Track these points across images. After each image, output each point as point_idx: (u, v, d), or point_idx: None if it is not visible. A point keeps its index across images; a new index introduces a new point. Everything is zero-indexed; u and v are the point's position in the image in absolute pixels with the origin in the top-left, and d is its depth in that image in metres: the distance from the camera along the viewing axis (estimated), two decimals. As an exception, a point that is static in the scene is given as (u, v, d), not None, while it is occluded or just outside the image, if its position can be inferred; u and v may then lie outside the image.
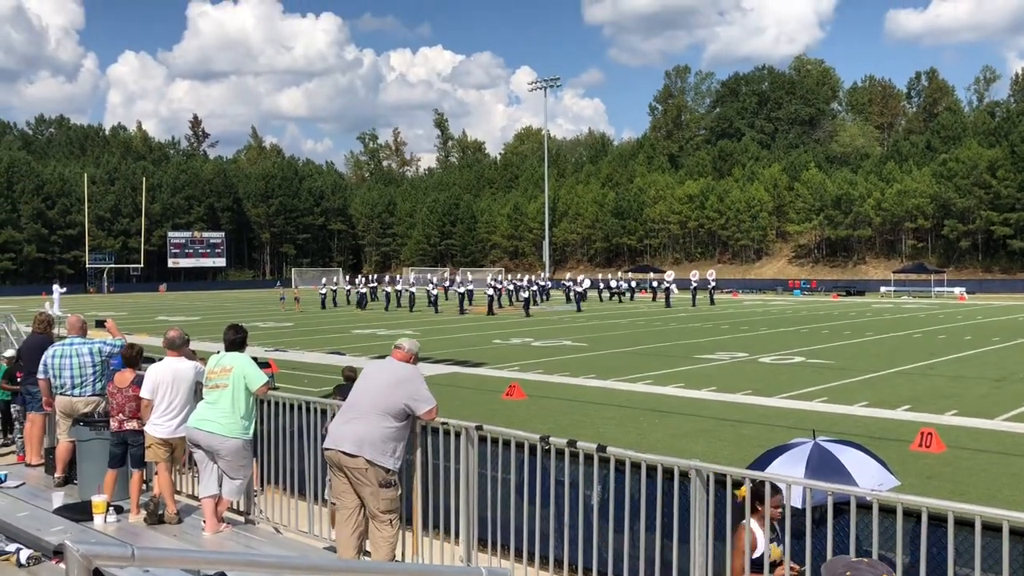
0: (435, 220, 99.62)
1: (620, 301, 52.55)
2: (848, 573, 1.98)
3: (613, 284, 56.28)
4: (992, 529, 4.21)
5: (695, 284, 49.84)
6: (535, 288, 50.43)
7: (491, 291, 41.91)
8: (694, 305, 46.58)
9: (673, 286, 47.27)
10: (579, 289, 46.97)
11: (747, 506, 4.87)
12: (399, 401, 5.82)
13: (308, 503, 6.97)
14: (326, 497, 6.92)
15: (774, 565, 4.87)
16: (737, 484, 4.92)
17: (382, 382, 5.95)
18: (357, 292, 50.17)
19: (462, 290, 42.42)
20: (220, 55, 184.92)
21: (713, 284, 51.19)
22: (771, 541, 4.84)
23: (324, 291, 50.76)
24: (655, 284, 55.73)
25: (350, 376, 10.29)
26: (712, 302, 48.59)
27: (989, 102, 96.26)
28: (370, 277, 59.07)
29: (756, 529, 4.90)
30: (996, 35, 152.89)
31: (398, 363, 6.05)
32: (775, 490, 4.80)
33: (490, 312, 40.24)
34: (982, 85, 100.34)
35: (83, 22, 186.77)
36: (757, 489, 4.82)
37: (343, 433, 5.79)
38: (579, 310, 42.85)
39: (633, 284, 58.87)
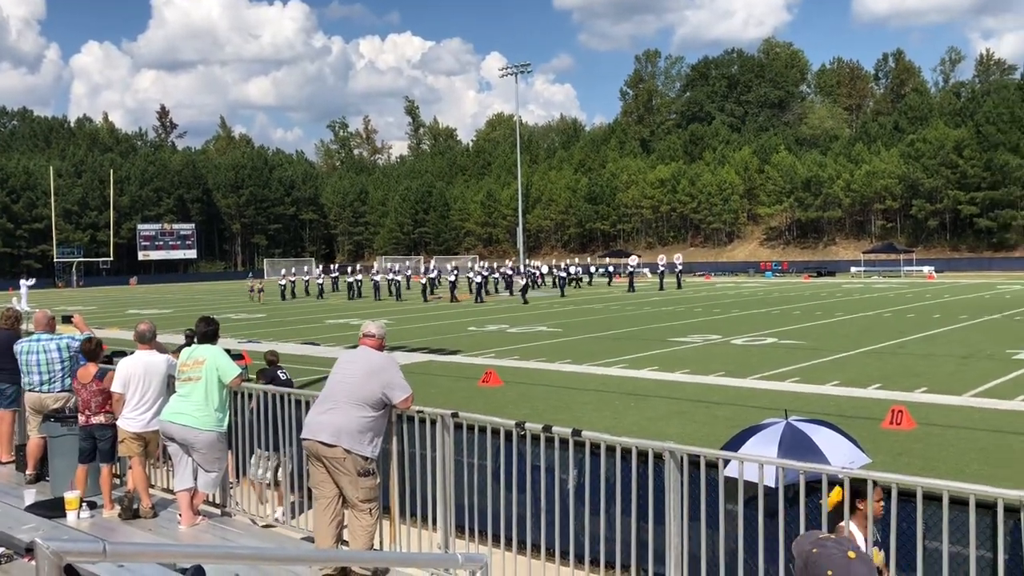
0: (408, 208, 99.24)
1: (578, 287, 52.51)
2: (815, 550, 2.00)
3: (572, 270, 56.34)
4: (959, 503, 4.29)
5: (662, 268, 50.36)
6: (509, 275, 50.41)
7: (479, 278, 41.99)
8: (662, 288, 46.93)
9: (646, 270, 47.72)
10: (563, 275, 46.99)
11: (846, 507, 4.44)
12: (375, 390, 5.81)
13: (284, 494, 6.95)
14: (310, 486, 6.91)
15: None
16: (824, 485, 4.57)
17: (357, 372, 5.93)
18: (317, 283, 50.74)
19: (452, 278, 42.48)
20: (186, 44, 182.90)
21: (680, 268, 51.70)
22: (873, 544, 4.47)
23: (284, 282, 50.05)
24: (616, 269, 56.27)
25: (272, 360, 10.18)
26: (679, 286, 48.93)
27: (955, 83, 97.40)
28: (331, 267, 59.21)
29: (856, 533, 4.46)
30: (961, 16, 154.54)
31: (372, 351, 6.04)
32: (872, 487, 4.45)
33: (478, 300, 40.32)
34: (947, 66, 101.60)
35: (44, 12, 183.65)
36: (858, 488, 4.41)
37: (320, 423, 5.78)
38: (562, 295, 43.17)
39: (592, 270, 59.45)
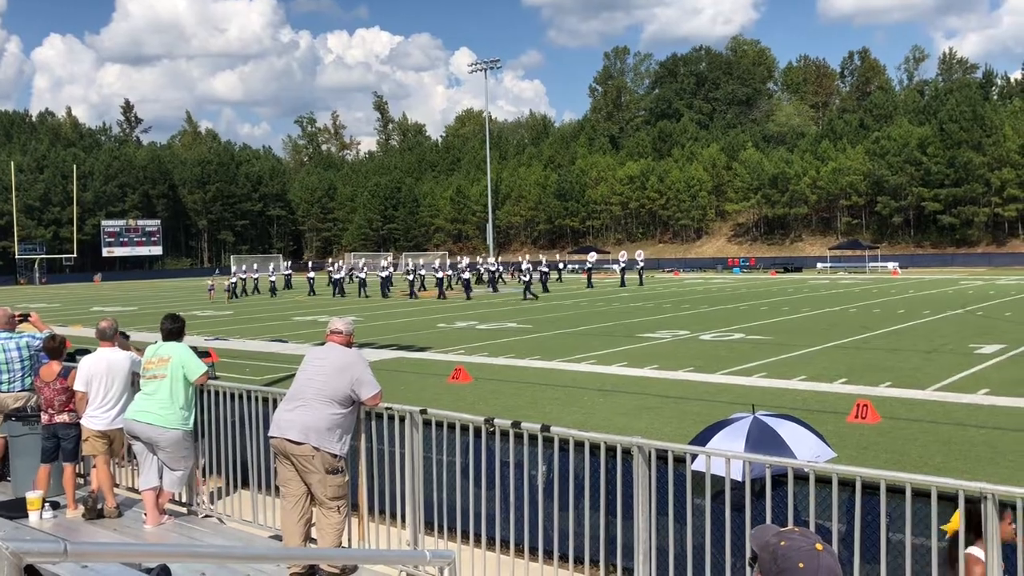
0: (377, 204, 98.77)
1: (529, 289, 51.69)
2: (782, 543, 1.99)
3: (523, 266, 55.77)
4: (922, 495, 4.35)
5: (623, 264, 50.32)
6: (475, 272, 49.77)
7: (440, 275, 42.03)
8: (623, 285, 47.04)
9: (615, 266, 47.77)
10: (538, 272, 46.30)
11: (962, 533, 4.03)
12: (343, 387, 5.77)
13: (252, 492, 6.89)
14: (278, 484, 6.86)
15: None
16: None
17: (326, 368, 5.89)
18: (269, 280, 49.73)
19: (440, 275, 42.39)
20: (151, 38, 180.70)
21: (642, 264, 51.42)
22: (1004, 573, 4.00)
23: (234, 280, 48.15)
24: (563, 265, 56.21)
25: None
26: (641, 282, 48.82)
27: (919, 81, 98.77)
28: (283, 264, 58.64)
29: (980, 554, 4.01)
30: (924, 15, 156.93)
31: (340, 348, 6.00)
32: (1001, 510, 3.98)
33: (441, 296, 40.28)
34: (912, 64, 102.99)
35: (4, 4, 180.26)
36: (978, 512, 3.95)
37: (288, 421, 5.73)
38: (536, 296, 40.99)
39: (561, 267, 59.28)
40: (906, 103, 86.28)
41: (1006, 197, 68.20)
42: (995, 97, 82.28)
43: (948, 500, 4.46)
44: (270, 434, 5.86)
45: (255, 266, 53.45)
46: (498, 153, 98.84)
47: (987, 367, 15.98)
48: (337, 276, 47.10)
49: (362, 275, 46.82)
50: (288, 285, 53.43)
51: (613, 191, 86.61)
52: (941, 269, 62.19)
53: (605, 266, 62.73)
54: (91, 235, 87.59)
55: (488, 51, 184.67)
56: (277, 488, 6.63)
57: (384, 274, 44.66)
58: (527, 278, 40.44)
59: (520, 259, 47.99)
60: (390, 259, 55.37)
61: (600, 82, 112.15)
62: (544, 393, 14.46)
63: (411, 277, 43.44)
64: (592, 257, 51.30)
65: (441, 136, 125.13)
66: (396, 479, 6.07)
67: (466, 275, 42.43)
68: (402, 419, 6.03)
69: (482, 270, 50.20)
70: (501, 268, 46.34)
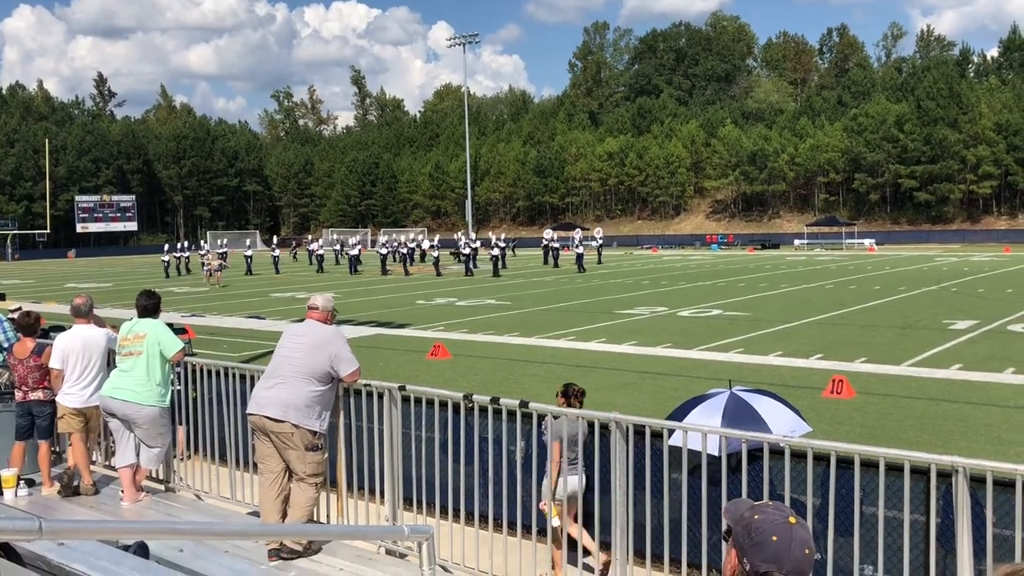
0: (354, 180, 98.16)
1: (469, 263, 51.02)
2: (757, 516, 2.01)
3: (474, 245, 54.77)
4: (895, 469, 4.41)
5: (599, 241, 48.63)
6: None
7: (404, 250, 42.14)
8: (599, 262, 45.54)
9: (592, 242, 47.30)
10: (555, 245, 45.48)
11: None
12: (322, 363, 5.76)
13: (229, 469, 6.87)
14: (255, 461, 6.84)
15: None
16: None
17: (304, 345, 5.87)
18: (245, 256, 46.69)
19: (436, 254, 42.27)
20: (124, 9, 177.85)
21: (600, 242, 49.49)
22: None
23: (167, 259, 46.01)
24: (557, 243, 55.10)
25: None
26: (600, 260, 46.70)
27: (896, 58, 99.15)
28: (290, 240, 57.99)
29: None
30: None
31: (318, 324, 5.97)
32: None
33: (405, 273, 40.37)
34: (889, 41, 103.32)
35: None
36: None
37: (267, 398, 5.71)
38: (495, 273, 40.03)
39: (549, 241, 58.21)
40: (884, 80, 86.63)
41: (981, 175, 68.83)
42: (971, 75, 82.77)
43: (920, 473, 4.52)
44: (248, 411, 5.84)
45: (247, 242, 52.25)
46: (477, 129, 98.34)
47: (960, 343, 16.19)
48: (320, 252, 46.74)
49: (354, 252, 46.20)
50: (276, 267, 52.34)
51: (592, 168, 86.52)
52: (917, 246, 62.77)
53: (564, 243, 61.51)
54: (64, 211, 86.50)
55: (466, 25, 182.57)
56: (255, 465, 6.62)
57: (353, 252, 44.53)
58: (495, 252, 40.22)
59: (491, 235, 46.93)
60: (358, 237, 55.04)
61: (580, 57, 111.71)
62: (523, 369, 14.51)
63: (386, 252, 43.39)
64: (548, 234, 48.95)
65: (419, 111, 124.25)
66: (375, 455, 6.08)
67: (435, 252, 42.29)
68: (380, 396, 6.02)
69: (462, 247, 49.33)
70: (478, 245, 44.89)
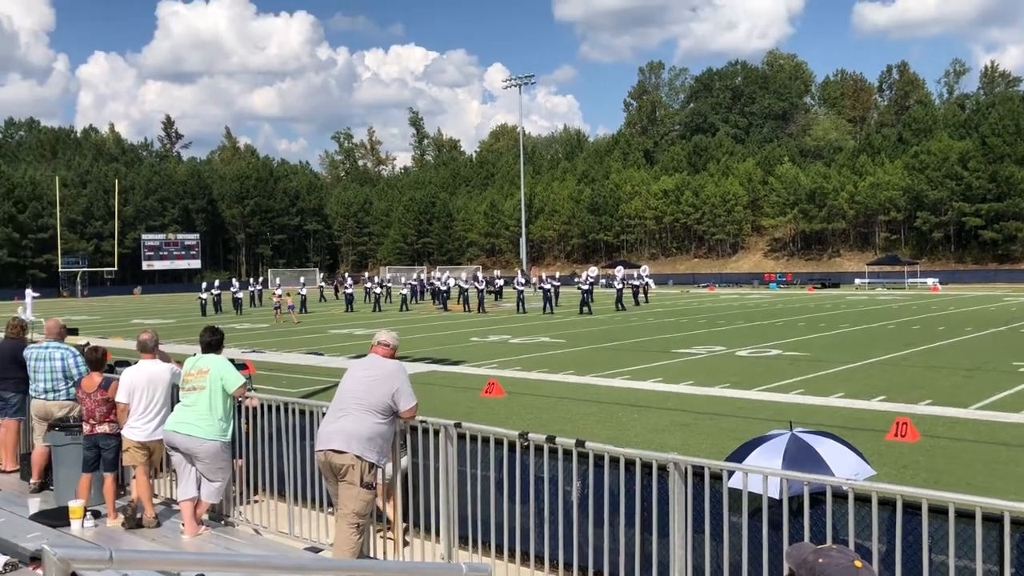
0: (411, 219, 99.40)
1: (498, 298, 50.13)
2: (821, 560, 1.98)
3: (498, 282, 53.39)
4: (966, 516, 4.27)
5: (619, 284, 43.18)
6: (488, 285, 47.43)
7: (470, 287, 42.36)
8: (637, 304, 42.99)
9: (621, 281, 45.15)
10: (585, 287, 40.73)
11: None
12: (384, 397, 5.82)
13: (288, 504, 6.94)
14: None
15: None
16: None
17: (368, 379, 5.95)
18: (299, 294, 45.41)
19: (483, 287, 42.35)
20: (192, 55, 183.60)
21: (645, 281, 47.18)
22: None
23: (204, 296, 44.93)
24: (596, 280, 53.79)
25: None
26: (637, 301, 43.91)
27: (959, 95, 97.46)
28: (319, 277, 58.42)
29: None
30: (963, 28, 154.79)
31: (382, 359, 6.05)
32: None
33: (467, 309, 40.54)
34: (952, 78, 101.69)
35: (53, 24, 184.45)
36: None
37: (332, 432, 5.78)
38: (581, 312, 37.39)
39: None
40: (946, 117, 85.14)
41: (1050, 212, 66.95)
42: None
43: (993, 521, 4.37)
44: (316, 448, 5.91)
45: (301, 280, 52.70)
46: (532, 167, 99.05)
47: (1031, 385, 15.66)
48: (377, 291, 47.06)
49: (405, 290, 46.90)
50: (322, 298, 53.51)
51: (647, 205, 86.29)
52: (983, 285, 61.09)
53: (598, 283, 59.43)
54: (131, 248, 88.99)
55: (522, 67, 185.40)
56: (313, 500, 6.68)
57: (405, 290, 45.45)
58: (547, 287, 39.58)
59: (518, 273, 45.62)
60: (415, 275, 55.75)
61: (635, 97, 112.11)
62: (578, 408, 14.42)
63: (439, 287, 43.83)
64: (593, 272, 47.31)
65: (475, 151, 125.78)
66: (431, 492, 6.09)
67: (480, 287, 42.26)
68: (436, 432, 6.05)
69: (515, 284, 48.62)
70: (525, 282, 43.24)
